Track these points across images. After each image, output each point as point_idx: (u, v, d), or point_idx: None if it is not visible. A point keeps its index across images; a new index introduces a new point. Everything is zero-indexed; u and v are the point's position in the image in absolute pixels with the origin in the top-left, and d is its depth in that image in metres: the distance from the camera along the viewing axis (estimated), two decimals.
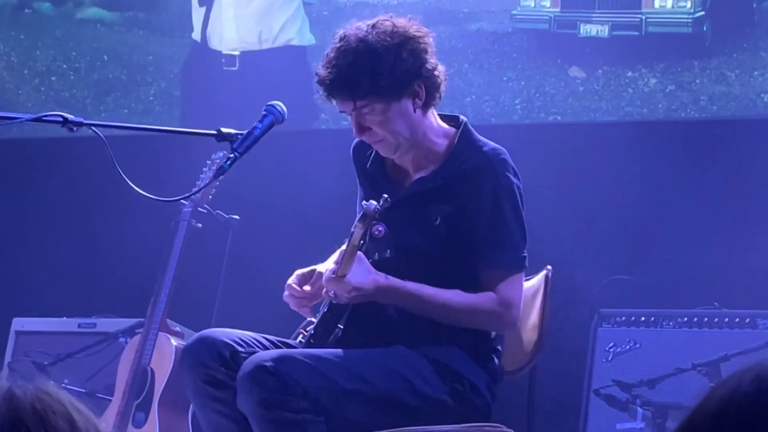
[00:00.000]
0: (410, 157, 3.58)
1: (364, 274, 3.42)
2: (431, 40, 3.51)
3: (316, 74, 3.50)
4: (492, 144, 3.57)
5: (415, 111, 3.49)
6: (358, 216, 3.40)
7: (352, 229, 3.39)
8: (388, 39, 3.43)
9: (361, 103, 3.44)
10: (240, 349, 3.48)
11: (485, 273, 3.50)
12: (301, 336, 3.58)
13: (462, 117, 3.62)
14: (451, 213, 3.49)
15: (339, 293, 3.43)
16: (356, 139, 3.71)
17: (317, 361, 3.40)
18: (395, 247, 3.50)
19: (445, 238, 3.49)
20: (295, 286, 3.57)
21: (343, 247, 3.45)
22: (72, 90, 6.21)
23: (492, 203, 3.48)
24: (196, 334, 3.60)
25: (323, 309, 3.54)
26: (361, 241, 3.40)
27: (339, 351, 3.48)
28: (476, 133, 3.60)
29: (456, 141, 3.55)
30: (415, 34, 3.47)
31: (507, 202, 3.49)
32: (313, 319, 3.58)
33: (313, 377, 3.37)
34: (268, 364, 3.33)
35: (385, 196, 3.41)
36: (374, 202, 3.37)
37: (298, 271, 3.61)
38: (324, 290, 3.49)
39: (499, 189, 3.48)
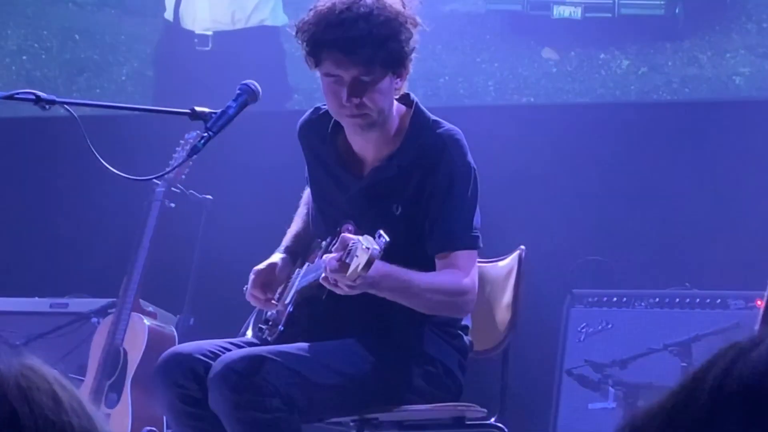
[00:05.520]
0: (371, 140, 3.48)
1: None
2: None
3: (315, 30, 3.34)
4: (446, 125, 3.49)
5: (394, 92, 3.44)
6: (362, 257, 3.09)
7: (352, 251, 3.11)
8: (398, 15, 3.37)
9: (371, 68, 3.33)
10: (213, 363, 3.42)
11: (440, 254, 3.42)
12: (267, 333, 3.52)
13: (412, 95, 3.52)
14: (410, 200, 3.42)
15: (341, 281, 3.17)
16: (303, 117, 3.63)
17: (287, 358, 3.36)
18: None
19: (407, 226, 3.41)
20: (257, 293, 3.47)
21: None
22: (43, 69, 6.18)
23: (446, 187, 3.41)
24: (167, 352, 3.52)
25: (289, 309, 3.50)
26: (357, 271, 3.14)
27: (307, 345, 3.44)
28: (428, 113, 3.52)
29: (408, 123, 3.47)
30: (412, 17, 3.42)
31: (460, 186, 3.42)
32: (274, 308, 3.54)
33: (284, 375, 3.33)
34: (237, 364, 3.30)
35: (384, 237, 3.12)
36: (377, 247, 3.10)
37: (256, 268, 3.51)
38: (320, 278, 3.26)
39: (454, 172, 3.41)
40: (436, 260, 3.44)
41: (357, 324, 3.49)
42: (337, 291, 3.25)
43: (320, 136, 3.56)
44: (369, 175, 3.48)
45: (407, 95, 3.52)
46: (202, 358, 3.42)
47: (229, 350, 3.47)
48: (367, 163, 3.52)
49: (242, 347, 3.50)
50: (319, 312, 3.48)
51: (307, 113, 3.65)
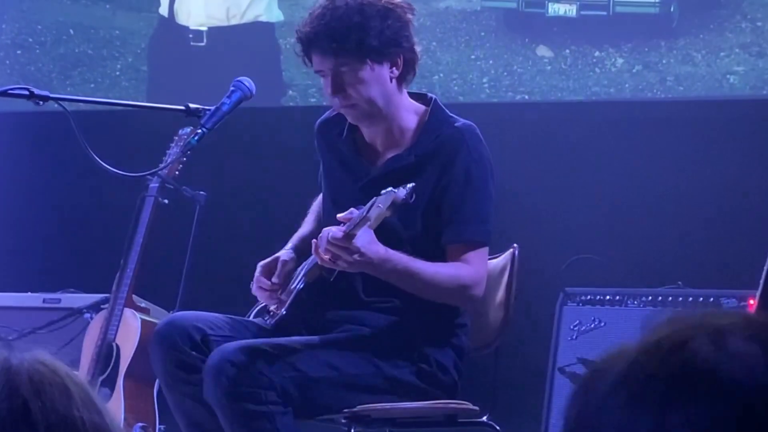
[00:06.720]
0: (381, 132, 3.57)
1: (371, 242, 3.31)
2: (413, 16, 3.54)
3: (299, 30, 3.49)
4: (463, 119, 3.59)
5: (391, 81, 3.51)
6: (386, 202, 3.20)
7: (371, 207, 3.22)
8: (378, 3, 3.47)
9: (343, 60, 3.43)
10: (210, 332, 3.46)
11: (451, 245, 3.50)
12: (268, 316, 3.56)
13: (430, 94, 3.64)
14: (426, 190, 3.48)
15: (343, 255, 3.27)
16: (323, 116, 3.72)
17: (283, 351, 3.39)
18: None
19: (422, 216, 3.48)
20: (264, 279, 3.54)
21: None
22: (37, 64, 6.17)
23: (464, 177, 3.49)
24: (166, 317, 3.58)
25: (298, 286, 3.52)
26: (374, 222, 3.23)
27: (305, 339, 3.47)
28: (446, 110, 3.62)
29: (427, 117, 3.57)
30: (402, 5, 3.52)
31: (478, 176, 3.50)
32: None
33: (280, 368, 3.36)
34: (234, 356, 3.32)
35: (413, 185, 3.23)
36: (403, 190, 3.19)
37: (262, 263, 3.58)
38: (319, 254, 3.32)
39: (471, 163, 3.50)
40: (447, 251, 3.50)
41: (353, 318, 3.52)
42: (336, 266, 3.29)
43: (339, 130, 3.64)
44: (386, 164, 3.55)
45: (424, 95, 3.63)
46: (200, 326, 3.46)
47: (230, 325, 3.51)
48: (380, 153, 3.60)
49: (243, 324, 3.53)
50: (327, 294, 3.50)
51: (328, 112, 3.73)
